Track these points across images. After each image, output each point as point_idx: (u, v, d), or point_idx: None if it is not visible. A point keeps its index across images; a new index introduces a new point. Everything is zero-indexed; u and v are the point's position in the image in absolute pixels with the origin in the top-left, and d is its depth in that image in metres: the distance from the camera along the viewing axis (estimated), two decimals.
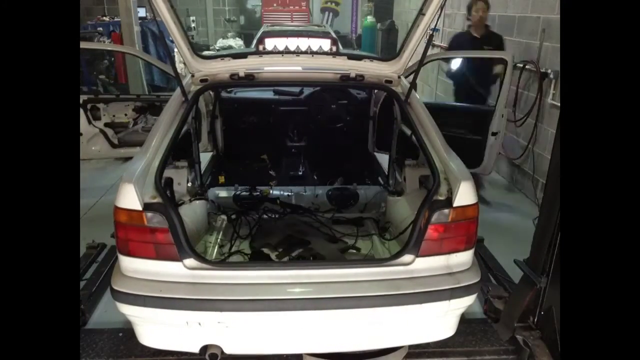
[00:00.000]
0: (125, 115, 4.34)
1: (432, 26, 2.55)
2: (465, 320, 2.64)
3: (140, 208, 1.94)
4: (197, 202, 2.77)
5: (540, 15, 4.59)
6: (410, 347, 2.40)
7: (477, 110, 4.28)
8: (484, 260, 3.36)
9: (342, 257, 2.59)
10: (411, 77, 2.76)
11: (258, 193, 3.32)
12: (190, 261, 2.02)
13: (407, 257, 2.10)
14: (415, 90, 2.70)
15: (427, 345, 2.49)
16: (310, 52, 2.79)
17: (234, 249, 2.68)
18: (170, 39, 2.59)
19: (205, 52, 3.99)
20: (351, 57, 2.79)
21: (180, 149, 2.68)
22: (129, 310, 2.06)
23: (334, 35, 6.31)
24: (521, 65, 4.73)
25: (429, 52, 2.63)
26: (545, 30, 4.48)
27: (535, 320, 2.50)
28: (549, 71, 4.37)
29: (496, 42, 4.70)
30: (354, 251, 2.70)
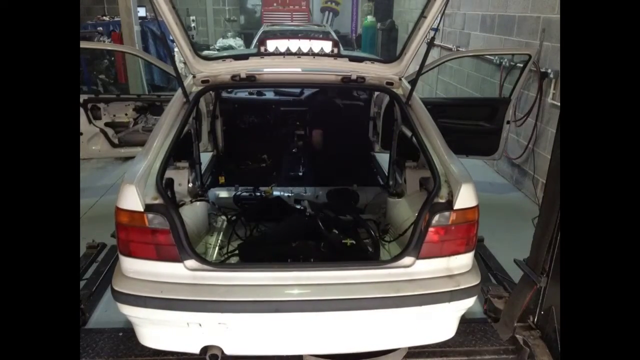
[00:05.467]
0: (126, 115, 4.33)
1: (433, 27, 2.55)
2: (465, 320, 2.64)
3: (141, 209, 1.95)
4: (198, 203, 2.77)
5: (540, 15, 4.59)
6: (410, 347, 2.40)
7: (493, 101, 4.66)
8: (484, 260, 3.37)
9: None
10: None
11: (260, 194, 3.32)
12: (191, 262, 2.03)
13: (407, 260, 2.10)
14: (414, 89, 2.70)
15: (427, 345, 2.50)
16: (311, 54, 2.80)
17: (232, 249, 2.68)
18: (171, 38, 2.59)
19: (206, 52, 3.99)
20: (352, 58, 2.79)
21: (181, 149, 2.68)
22: (130, 311, 2.06)
23: (334, 36, 6.31)
24: (521, 65, 4.73)
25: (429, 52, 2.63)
26: (545, 30, 4.48)
27: (535, 320, 2.50)
28: (549, 71, 4.38)
29: None
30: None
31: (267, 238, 2.69)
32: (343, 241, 2.51)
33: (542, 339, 2.44)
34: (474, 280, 2.14)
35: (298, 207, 3.10)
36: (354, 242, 2.52)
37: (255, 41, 6.79)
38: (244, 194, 3.29)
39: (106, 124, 4.30)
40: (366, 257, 2.48)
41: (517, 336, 2.50)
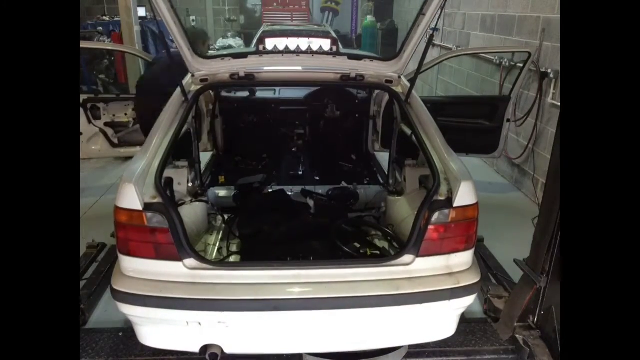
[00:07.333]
0: (125, 114, 4.34)
1: (432, 26, 2.55)
2: (465, 320, 2.64)
3: (140, 208, 1.94)
4: (198, 202, 2.77)
5: (540, 15, 4.59)
6: (410, 346, 2.40)
7: (493, 100, 4.63)
8: (484, 260, 3.37)
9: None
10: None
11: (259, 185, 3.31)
12: (191, 261, 2.02)
13: (407, 257, 2.10)
14: (413, 87, 2.70)
15: (427, 344, 2.49)
16: (310, 52, 2.79)
17: (232, 248, 2.68)
18: (170, 38, 2.58)
19: None
20: (351, 57, 2.79)
21: (180, 148, 2.68)
22: (129, 310, 2.06)
23: (334, 35, 6.30)
24: (521, 65, 4.73)
25: (429, 51, 2.63)
26: (545, 30, 4.48)
27: (535, 319, 2.50)
28: (549, 71, 4.37)
29: None
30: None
31: (273, 239, 2.68)
32: (361, 251, 2.51)
33: (542, 339, 2.44)
34: (473, 278, 2.14)
35: (305, 200, 3.09)
36: (377, 252, 2.51)
37: (255, 41, 6.80)
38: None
39: (106, 124, 4.30)
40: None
41: (517, 336, 2.50)
